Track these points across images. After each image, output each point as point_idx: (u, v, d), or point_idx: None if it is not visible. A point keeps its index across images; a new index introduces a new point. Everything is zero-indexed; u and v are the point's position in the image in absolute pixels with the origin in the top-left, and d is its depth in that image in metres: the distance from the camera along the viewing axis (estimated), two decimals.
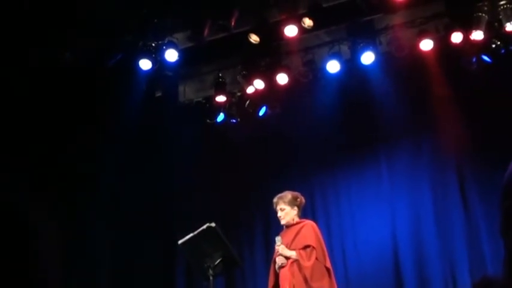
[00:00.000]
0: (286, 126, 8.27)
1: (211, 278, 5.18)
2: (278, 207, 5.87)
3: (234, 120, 8.36)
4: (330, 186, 8.26)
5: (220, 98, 8.19)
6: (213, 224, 5.24)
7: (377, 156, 8.11)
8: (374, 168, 8.08)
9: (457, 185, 7.56)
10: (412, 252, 7.56)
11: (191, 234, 5.28)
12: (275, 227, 8.18)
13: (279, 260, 5.68)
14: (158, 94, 8.31)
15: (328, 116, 7.97)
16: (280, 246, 5.69)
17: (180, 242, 5.35)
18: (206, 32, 7.39)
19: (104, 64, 7.62)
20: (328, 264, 5.67)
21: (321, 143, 8.20)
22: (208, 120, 8.34)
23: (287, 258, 5.68)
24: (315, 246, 5.65)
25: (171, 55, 7.61)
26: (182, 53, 7.68)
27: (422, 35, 7.32)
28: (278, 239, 5.74)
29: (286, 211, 5.84)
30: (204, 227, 5.25)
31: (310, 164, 8.23)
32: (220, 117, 8.31)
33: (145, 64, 7.66)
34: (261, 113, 8.20)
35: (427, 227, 7.57)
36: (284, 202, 5.86)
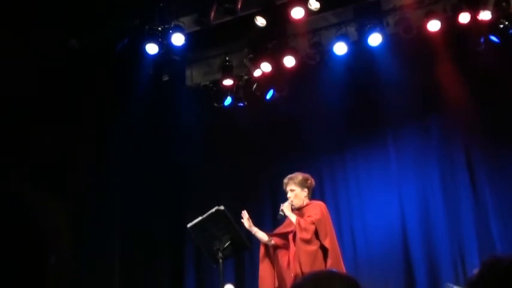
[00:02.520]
0: (293, 109, 8.28)
1: (220, 260, 5.20)
2: (288, 188, 5.75)
3: (241, 104, 8.36)
4: (338, 169, 8.27)
5: (228, 82, 8.20)
6: (221, 207, 5.25)
7: (385, 138, 8.08)
8: (382, 151, 8.06)
9: (465, 166, 7.52)
10: (421, 234, 7.56)
11: (200, 218, 5.29)
12: None
13: (281, 205, 5.66)
14: (165, 78, 8.35)
15: (336, 98, 7.96)
16: (285, 204, 5.64)
17: (188, 225, 5.36)
18: (212, 15, 7.38)
19: (110, 49, 7.62)
20: (328, 244, 5.47)
21: (329, 126, 8.18)
22: (215, 104, 8.34)
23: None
24: (315, 220, 5.53)
25: (178, 39, 7.61)
26: (189, 37, 7.67)
27: (430, 15, 7.28)
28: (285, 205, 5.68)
29: (296, 192, 5.72)
30: (213, 210, 5.26)
31: (318, 147, 8.22)
32: (228, 100, 8.32)
33: (152, 48, 7.65)
34: (268, 96, 8.19)
35: (435, 209, 7.56)
36: (294, 183, 5.75)
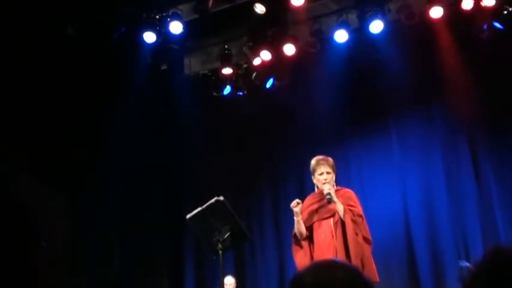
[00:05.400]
0: (293, 97, 8.28)
1: (220, 252, 5.16)
2: (324, 170, 5.46)
3: (241, 93, 8.38)
4: (340, 158, 8.15)
5: (227, 70, 8.20)
6: (221, 198, 5.22)
7: (387, 127, 8.09)
8: (384, 140, 8.08)
9: (470, 155, 7.54)
10: (424, 225, 7.57)
11: (199, 208, 5.26)
12: (285, 200, 8.23)
13: (328, 189, 5.32)
14: (163, 67, 8.33)
15: (337, 86, 7.99)
16: (331, 189, 5.33)
17: (188, 216, 5.33)
18: (211, 2, 7.36)
19: (106, 38, 7.59)
20: (369, 236, 5.38)
21: (330, 115, 8.17)
22: (214, 93, 8.37)
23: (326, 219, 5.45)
24: (362, 212, 5.38)
25: (176, 27, 7.59)
26: (187, 25, 7.66)
27: (432, 2, 7.25)
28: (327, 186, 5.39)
29: (331, 175, 5.48)
30: (213, 200, 5.22)
31: (319, 137, 8.17)
32: (227, 89, 8.33)
33: (149, 37, 7.64)
34: (268, 85, 8.21)
35: (439, 200, 7.57)
36: (329, 165, 5.50)
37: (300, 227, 5.49)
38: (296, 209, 5.43)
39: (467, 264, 6.19)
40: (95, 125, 7.90)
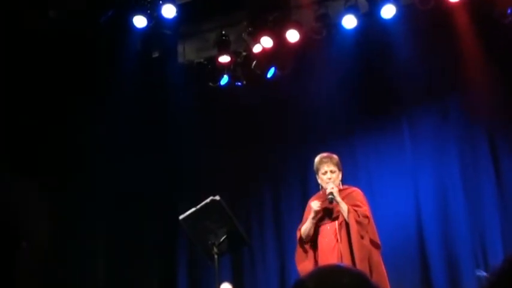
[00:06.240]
0: (296, 89, 8.26)
1: (216, 257, 5.15)
2: (328, 168, 5.52)
3: (239, 83, 8.36)
4: (346, 156, 8.15)
5: (224, 59, 8.16)
6: (217, 197, 5.21)
7: (399, 122, 8.05)
8: (395, 136, 8.04)
9: (489, 154, 7.48)
10: (439, 228, 7.53)
11: (193, 209, 5.26)
12: (286, 201, 8.23)
13: (331, 189, 5.36)
14: (155, 55, 8.27)
15: (344, 77, 7.98)
16: (334, 188, 5.38)
17: (181, 217, 5.32)
18: None
19: (93, 22, 7.56)
20: (378, 239, 5.44)
21: (336, 108, 8.16)
22: (210, 84, 8.35)
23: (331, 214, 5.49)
24: (369, 213, 5.41)
25: (169, 11, 7.62)
26: (181, 9, 7.66)
27: None
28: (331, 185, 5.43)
29: (336, 174, 5.55)
30: (208, 200, 5.21)
31: (324, 132, 8.18)
32: (224, 79, 8.30)
33: (139, 21, 7.63)
34: (269, 75, 8.17)
35: (455, 200, 7.54)
36: (333, 163, 5.56)
37: (311, 229, 5.50)
38: (316, 207, 5.43)
39: (485, 273, 6.18)
40: (80, 119, 7.89)
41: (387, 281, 5.40)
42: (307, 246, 5.58)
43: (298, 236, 5.61)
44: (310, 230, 5.52)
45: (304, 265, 5.53)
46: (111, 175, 8.18)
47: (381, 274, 5.36)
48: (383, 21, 7.51)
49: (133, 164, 8.32)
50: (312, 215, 5.49)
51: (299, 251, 5.64)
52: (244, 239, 5.45)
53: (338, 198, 5.38)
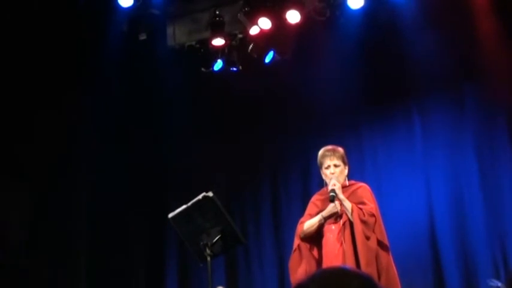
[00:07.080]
0: (297, 75, 8.25)
1: (208, 258, 5.16)
2: (331, 163, 5.47)
3: (234, 69, 8.37)
4: (353, 148, 8.17)
5: (218, 42, 8.16)
6: (210, 194, 5.21)
7: (409, 112, 8.09)
8: (405, 127, 8.09)
9: (508, 144, 7.52)
10: (453, 226, 7.62)
11: (184, 206, 5.27)
12: (286, 198, 8.22)
13: (332, 185, 5.31)
14: (142, 37, 8.28)
15: (349, 63, 7.96)
16: (336, 184, 5.33)
17: (170, 215, 5.34)
18: None
19: (73, 2, 7.51)
20: (386, 240, 5.41)
21: (341, 97, 8.17)
22: (203, 69, 8.34)
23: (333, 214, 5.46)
24: (376, 211, 5.38)
25: None
26: None
27: None
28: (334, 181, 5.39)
29: (341, 168, 5.50)
30: (200, 197, 5.21)
31: (328, 122, 8.20)
32: (218, 64, 8.31)
33: (125, 0, 7.56)
34: (267, 60, 8.19)
35: (470, 196, 7.60)
36: (337, 157, 5.50)
37: (316, 225, 5.44)
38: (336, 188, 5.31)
39: (499, 284, 6.17)
40: (63, 109, 7.87)
41: (399, 287, 5.37)
42: (304, 248, 5.53)
43: (298, 230, 5.54)
44: (314, 226, 5.47)
45: (299, 274, 5.46)
46: (95, 171, 8.20)
47: (392, 278, 5.33)
48: (392, 1, 7.50)
49: (120, 159, 8.31)
50: (328, 208, 5.41)
51: (294, 256, 5.58)
52: (240, 238, 5.46)
53: (341, 196, 5.34)
